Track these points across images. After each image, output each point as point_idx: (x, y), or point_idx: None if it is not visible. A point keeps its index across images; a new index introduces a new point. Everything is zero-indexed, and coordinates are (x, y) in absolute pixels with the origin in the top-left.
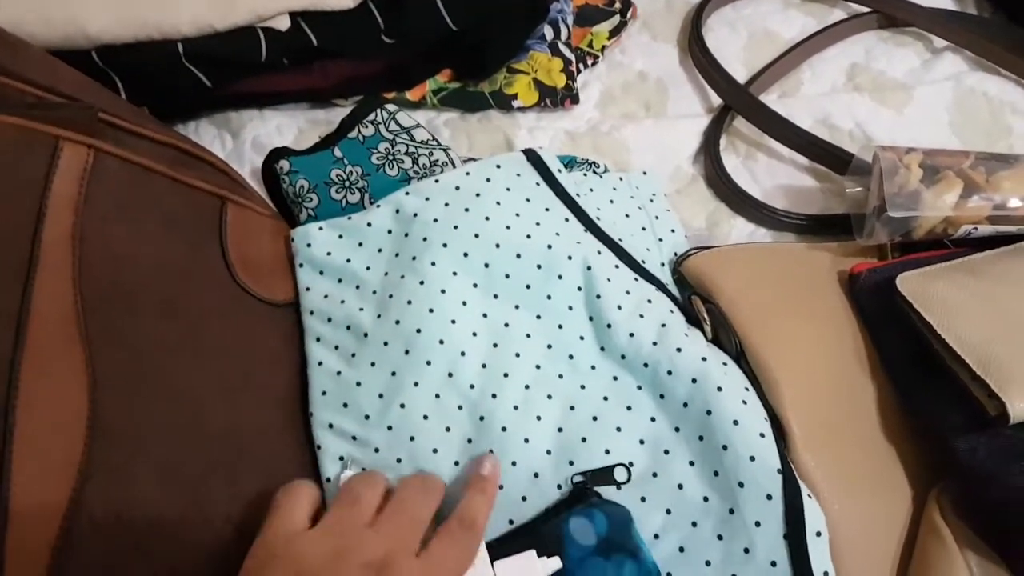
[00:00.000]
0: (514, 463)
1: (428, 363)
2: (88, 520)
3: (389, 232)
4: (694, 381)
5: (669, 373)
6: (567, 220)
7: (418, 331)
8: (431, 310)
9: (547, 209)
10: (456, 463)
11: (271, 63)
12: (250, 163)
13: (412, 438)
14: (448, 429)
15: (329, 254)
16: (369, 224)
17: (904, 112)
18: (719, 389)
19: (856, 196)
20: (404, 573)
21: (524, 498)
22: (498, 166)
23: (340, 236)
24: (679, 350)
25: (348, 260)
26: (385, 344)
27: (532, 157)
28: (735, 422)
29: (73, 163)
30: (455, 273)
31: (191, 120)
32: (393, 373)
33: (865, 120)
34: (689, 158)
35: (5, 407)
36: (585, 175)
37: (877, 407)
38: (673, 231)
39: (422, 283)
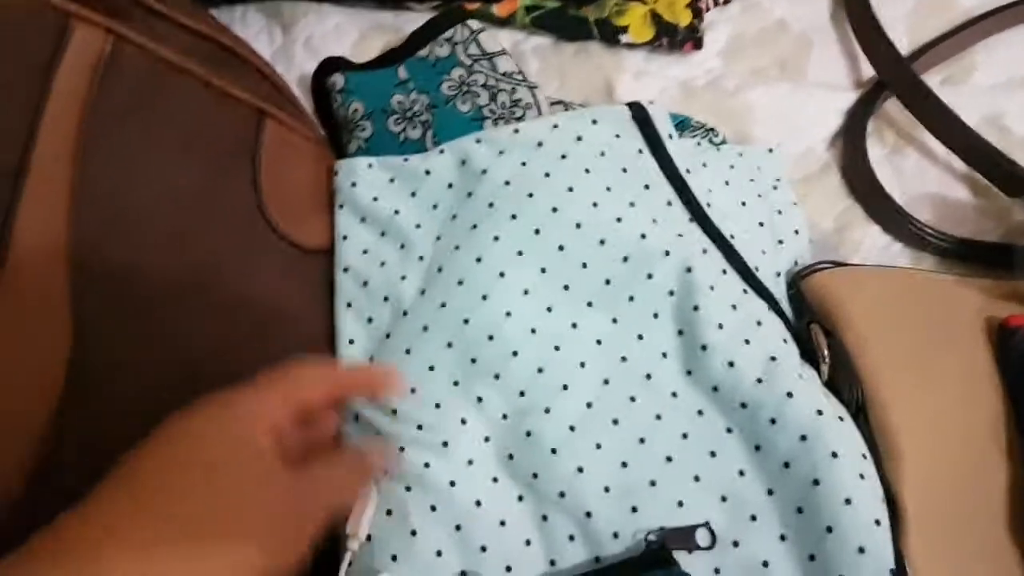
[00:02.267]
0: (562, 494)
1: (473, 361)
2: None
3: (450, 186)
4: (803, 439)
5: (772, 422)
6: (670, 204)
7: (466, 321)
8: (484, 297)
9: (647, 187)
10: (494, 479)
11: None
12: (299, 68)
13: (445, 443)
14: (487, 439)
15: (376, 199)
16: (428, 172)
17: None
18: (834, 455)
19: (1022, 227)
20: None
21: (571, 537)
22: (594, 121)
23: (392, 180)
24: (790, 395)
25: (396, 211)
26: (425, 329)
27: (639, 114)
28: (847, 501)
29: (86, 50)
30: (520, 253)
31: (238, 3)
32: (431, 368)
33: None
34: (825, 140)
35: None
36: (699, 144)
37: (1007, 498)
38: (797, 232)
39: (479, 260)
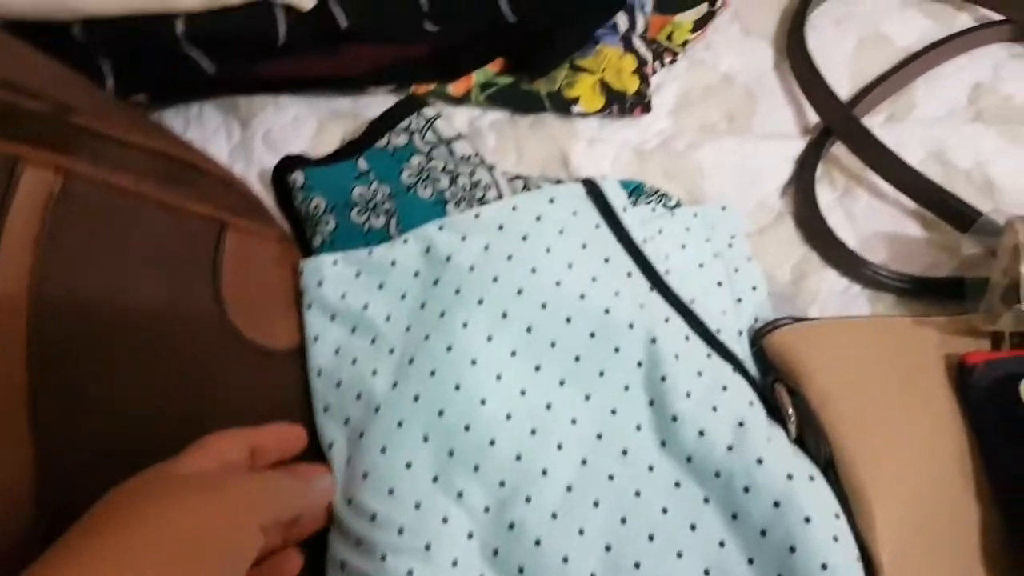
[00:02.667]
0: None
1: (450, 453)
2: None
3: (416, 275)
4: (776, 505)
5: (746, 490)
6: (630, 275)
7: (440, 413)
8: (457, 386)
9: (607, 260)
10: None
11: (290, 47)
12: (259, 163)
13: (428, 546)
14: (471, 536)
15: (343, 296)
16: (393, 263)
17: None
18: (807, 520)
19: (973, 259)
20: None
21: None
22: (551, 200)
23: (358, 274)
24: (760, 462)
25: (365, 306)
26: (399, 425)
27: (593, 190)
28: (824, 566)
29: (35, 190)
30: (490, 338)
31: (194, 102)
32: (408, 465)
33: (988, 159)
34: (777, 190)
35: None
36: (654, 210)
37: (980, 540)
38: (755, 288)
39: (449, 349)
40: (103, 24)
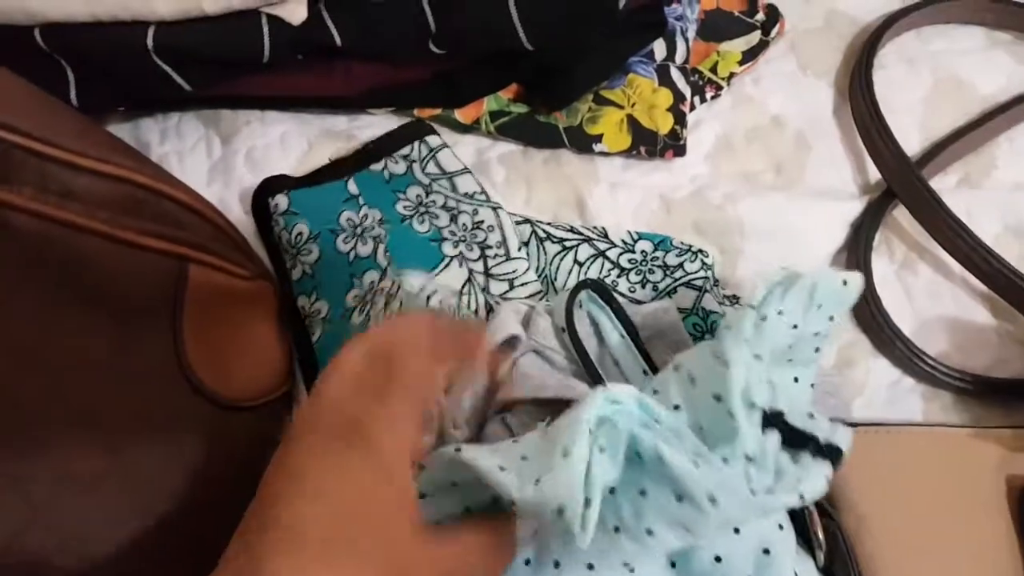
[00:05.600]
0: None
1: None
2: None
3: None
4: None
5: None
6: None
7: None
8: None
9: None
10: None
11: (275, 63)
12: (239, 183)
13: None
14: None
15: None
16: None
17: None
18: None
19: None
20: None
21: None
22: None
23: None
24: None
25: None
26: None
27: None
28: None
29: None
30: None
31: (172, 111)
32: None
33: None
34: (826, 257)
35: None
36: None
37: None
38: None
39: None
40: (66, 29)
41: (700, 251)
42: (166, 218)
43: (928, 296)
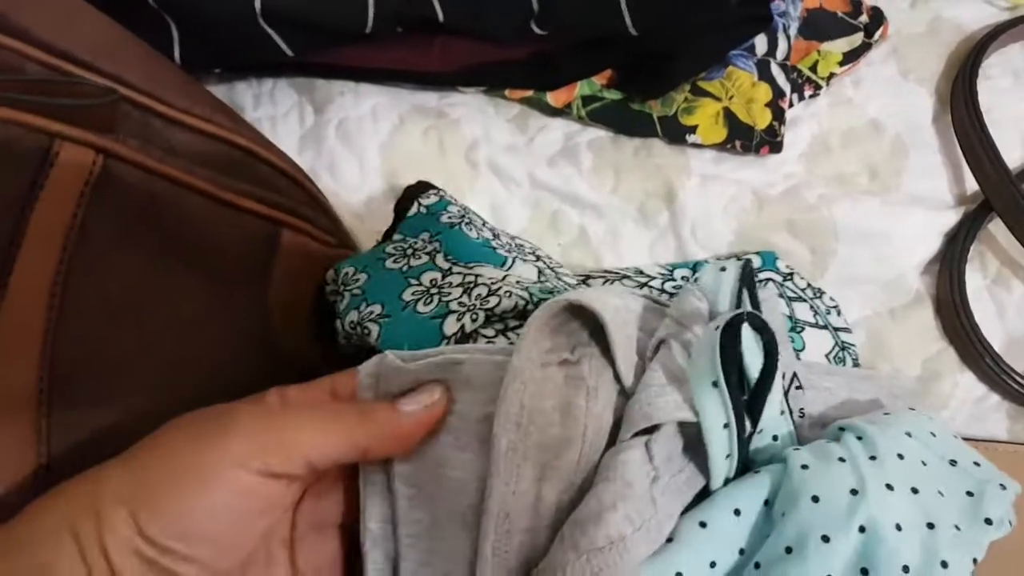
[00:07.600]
0: None
1: None
2: None
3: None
4: None
5: None
6: None
7: None
8: None
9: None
10: None
11: (376, 34)
12: (329, 155)
13: None
14: None
15: None
16: None
17: None
18: None
19: None
20: None
21: None
22: None
23: None
24: None
25: None
26: None
27: None
28: None
29: (70, 174)
30: None
31: (267, 77)
32: None
33: None
34: (918, 266)
35: None
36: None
37: None
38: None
39: None
40: None
41: (817, 291)
42: (263, 181)
43: (1020, 313)
